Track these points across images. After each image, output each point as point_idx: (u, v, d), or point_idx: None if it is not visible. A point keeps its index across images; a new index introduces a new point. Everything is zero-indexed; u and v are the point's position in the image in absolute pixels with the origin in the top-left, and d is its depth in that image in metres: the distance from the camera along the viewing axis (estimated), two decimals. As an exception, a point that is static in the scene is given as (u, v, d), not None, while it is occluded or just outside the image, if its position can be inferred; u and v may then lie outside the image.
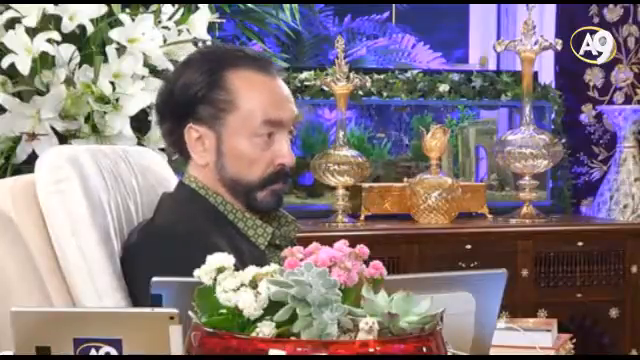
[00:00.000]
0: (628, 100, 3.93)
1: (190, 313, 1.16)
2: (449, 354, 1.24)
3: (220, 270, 1.18)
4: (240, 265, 1.20)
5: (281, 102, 1.89)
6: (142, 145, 2.45)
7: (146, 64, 2.49)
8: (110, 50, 2.44)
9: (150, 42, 2.49)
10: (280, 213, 1.95)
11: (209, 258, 1.19)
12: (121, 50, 2.47)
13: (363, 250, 1.21)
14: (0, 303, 1.68)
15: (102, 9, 2.48)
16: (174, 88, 1.88)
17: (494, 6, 4.22)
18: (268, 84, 1.89)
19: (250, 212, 1.89)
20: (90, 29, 2.47)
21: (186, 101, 1.86)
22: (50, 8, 2.44)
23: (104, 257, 1.80)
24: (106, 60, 2.44)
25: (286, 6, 3.24)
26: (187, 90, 1.86)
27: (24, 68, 2.39)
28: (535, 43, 3.50)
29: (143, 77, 2.48)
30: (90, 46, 2.46)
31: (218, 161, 1.87)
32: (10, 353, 1.25)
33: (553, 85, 3.94)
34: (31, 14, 2.42)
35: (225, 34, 3.57)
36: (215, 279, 1.17)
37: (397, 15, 4.36)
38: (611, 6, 3.90)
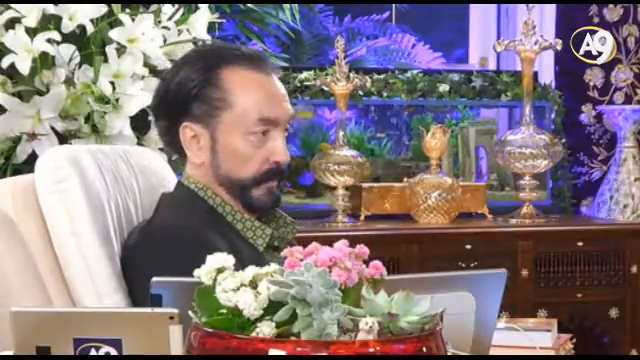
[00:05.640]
0: (628, 100, 3.92)
1: (190, 313, 1.16)
2: (449, 354, 1.24)
3: (220, 270, 1.18)
4: (239, 267, 1.20)
5: (276, 100, 1.88)
6: (142, 145, 2.45)
7: (146, 64, 2.49)
8: (110, 50, 2.44)
9: (150, 42, 2.49)
10: (279, 214, 1.95)
11: (209, 258, 1.19)
12: (121, 50, 2.47)
13: (363, 250, 1.21)
14: (0, 303, 1.68)
15: (102, 9, 2.48)
16: (170, 86, 1.88)
17: (494, 6, 4.22)
18: (263, 83, 1.88)
19: (248, 212, 1.89)
20: (90, 29, 2.46)
21: (181, 99, 1.86)
22: (50, 8, 2.44)
23: (104, 257, 1.80)
24: (106, 60, 2.44)
25: (286, 6, 3.24)
26: (182, 88, 1.86)
27: (24, 68, 2.39)
28: (535, 43, 3.50)
29: (143, 77, 2.48)
30: (90, 46, 2.46)
31: (213, 159, 1.87)
32: (10, 353, 1.25)
33: (553, 85, 3.94)
34: (31, 14, 2.42)
35: (225, 34, 3.57)
36: (215, 279, 1.17)
37: (397, 15, 4.36)
38: (611, 6, 3.90)
